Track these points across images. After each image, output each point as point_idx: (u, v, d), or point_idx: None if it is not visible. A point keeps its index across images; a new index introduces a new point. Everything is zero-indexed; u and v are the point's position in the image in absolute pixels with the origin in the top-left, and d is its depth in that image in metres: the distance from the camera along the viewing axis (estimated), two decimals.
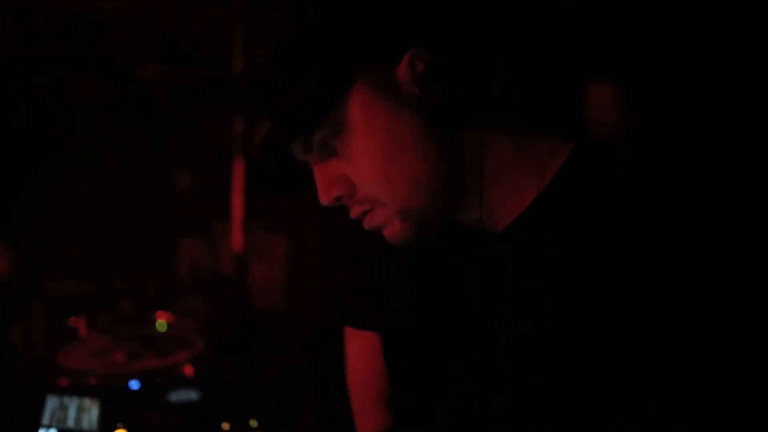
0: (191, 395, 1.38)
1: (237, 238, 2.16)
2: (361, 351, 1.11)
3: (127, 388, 1.40)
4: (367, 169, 0.74)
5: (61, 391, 1.35)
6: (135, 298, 1.99)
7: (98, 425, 1.26)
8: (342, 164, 0.76)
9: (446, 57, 0.74)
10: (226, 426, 1.27)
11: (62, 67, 2.15)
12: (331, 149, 0.76)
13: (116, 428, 1.25)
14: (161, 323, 1.78)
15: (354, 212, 0.78)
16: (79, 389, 1.37)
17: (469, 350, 0.83)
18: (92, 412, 1.30)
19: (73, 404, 1.31)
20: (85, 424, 1.26)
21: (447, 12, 0.76)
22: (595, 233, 0.74)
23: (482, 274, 0.80)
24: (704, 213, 0.72)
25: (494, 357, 0.80)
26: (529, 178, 0.78)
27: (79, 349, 1.59)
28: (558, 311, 0.75)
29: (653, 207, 0.73)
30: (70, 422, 1.26)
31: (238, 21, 2.07)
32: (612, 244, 0.73)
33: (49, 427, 1.24)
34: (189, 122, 2.28)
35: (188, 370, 1.51)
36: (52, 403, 1.31)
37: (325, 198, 0.77)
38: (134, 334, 1.69)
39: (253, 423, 1.28)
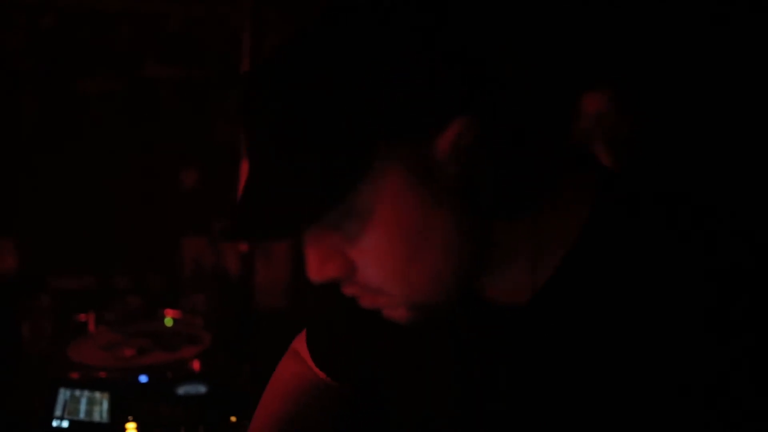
0: (199, 389, 1.40)
1: None
2: (288, 375, 0.98)
3: (136, 381, 1.42)
4: (381, 263, 0.61)
5: (73, 385, 1.37)
6: (141, 294, 2.01)
7: (109, 418, 1.28)
8: (345, 244, 0.61)
9: (501, 127, 0.58)
10: (233, 419, 1.29)
11: (71, 65, 2.17)
12: (335, 225, 0.61)
13: (127, 421, 1.26)
14: (168, 319, 1.80)
15: (348, 291, 0.65)
16: (89, 383, 1.39)
17: (487, 426, 0.73)
18: (103, 405, 1.32)
19: (84, 397, 1.33)
20: (96, 417, 1.28)
21: (501, 67, 0.58)
22: (621, 302, 0.63)
23: (504, 349, 0.70)
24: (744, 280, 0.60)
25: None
26: (551, 244, 0.66)
27: (89, 344, 1.61)
28: (586, 386, 0.66)
29: (684, 270, 0.61)
30: (82, 415, 1.28)
31: (245, 20, 2.09)
32: (641, 313, 0.62)
33: (61, 418, 1.26)
34: (195, 121, 2.30)
35: (196, 365, 1.53)
36: (63, 395, 1.32)
37: (316, 276, 0.63)
38: (142, 329, 1.71)
39: None
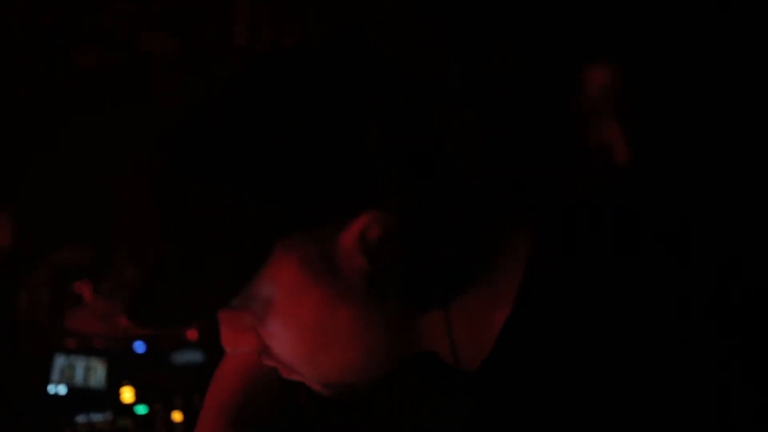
0: (196, 357, 1.42)
1: None
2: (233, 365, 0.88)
3: (133, 349, 1.44)
4: (286, 349, 0.59)
5: (69, 351, 1.39)
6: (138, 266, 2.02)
7: (106, 383, 1.30)
8: (256, 321, 0.58)
9: (412, 221, 0.54)
10: None
11: (65, 39, 2.16)
12: (245, 305, 0.58)
13: (122, 386, 1.28)
14: None
15: (266, 363, 0.63)
16: (86, 349, 1.41)
17: None
18: (99, 371, 1.33)
19: (80, 364, 1.34)
20: (93, 382, 1.29)
21: (413, 160, 0.55)
22: (574, 351, 0.60)
23: (457, 411, 0.67)
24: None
25: None
26: (489, 309, 0.61)
27: (85, 313, 1.62)
28: None
29: (636, 309, 0.58)
30: (79, 380, 1.30)
31: None
32: (596, 359, 0.59)
33: (58, 383, 1.27)
34: (191, 94, 2.29)
35: (192, 333, 1.54)
36: (59, 362, 1.34)
37: (229, 349, 0.62)
38: None
39: None
